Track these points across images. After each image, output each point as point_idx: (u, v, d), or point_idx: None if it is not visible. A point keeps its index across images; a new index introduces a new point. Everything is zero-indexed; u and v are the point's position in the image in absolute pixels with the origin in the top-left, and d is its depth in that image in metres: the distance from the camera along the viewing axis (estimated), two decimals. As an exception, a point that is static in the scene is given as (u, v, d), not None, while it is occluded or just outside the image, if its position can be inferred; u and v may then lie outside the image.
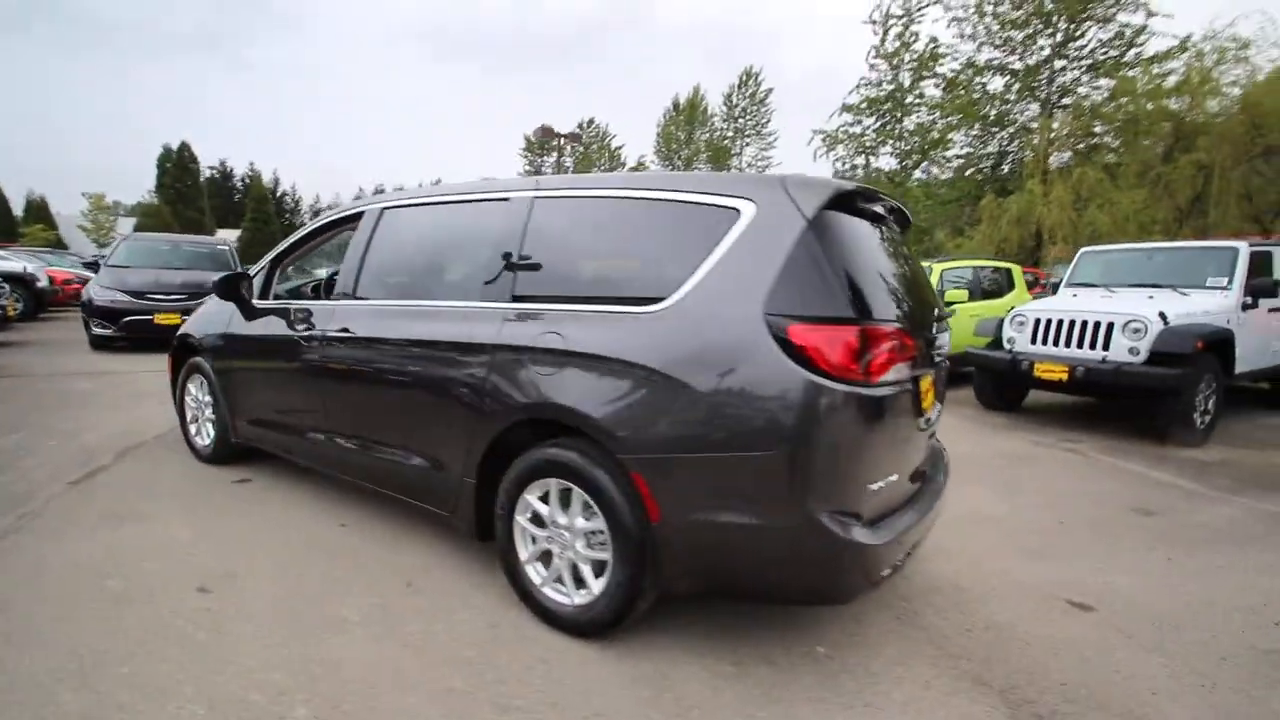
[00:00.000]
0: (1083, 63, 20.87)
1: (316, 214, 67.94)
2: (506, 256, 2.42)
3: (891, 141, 25.51)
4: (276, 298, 3.59)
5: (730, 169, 36.95)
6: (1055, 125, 20.13)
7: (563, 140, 24.10)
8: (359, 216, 3.16)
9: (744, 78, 35.52)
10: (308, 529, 3.06)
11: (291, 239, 3.55)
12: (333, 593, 2.49)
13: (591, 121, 45.23)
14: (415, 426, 2.62)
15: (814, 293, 1.85)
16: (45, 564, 2.61)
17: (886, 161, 25.81)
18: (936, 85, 23.58)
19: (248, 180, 51.25)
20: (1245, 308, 5.46)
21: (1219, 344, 5.13)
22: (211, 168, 49.21)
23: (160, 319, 7.89)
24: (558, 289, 2.31)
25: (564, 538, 2.23)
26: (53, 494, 3.38)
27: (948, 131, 23.38)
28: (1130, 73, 18.58)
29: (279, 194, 51.08)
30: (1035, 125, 20.78)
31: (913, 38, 23.88)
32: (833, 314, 1.83)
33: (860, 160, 26.30)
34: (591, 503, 2.12)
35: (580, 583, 2.22)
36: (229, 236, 16.93)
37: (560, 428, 2.22)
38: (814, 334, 1.79)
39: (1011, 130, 22.12)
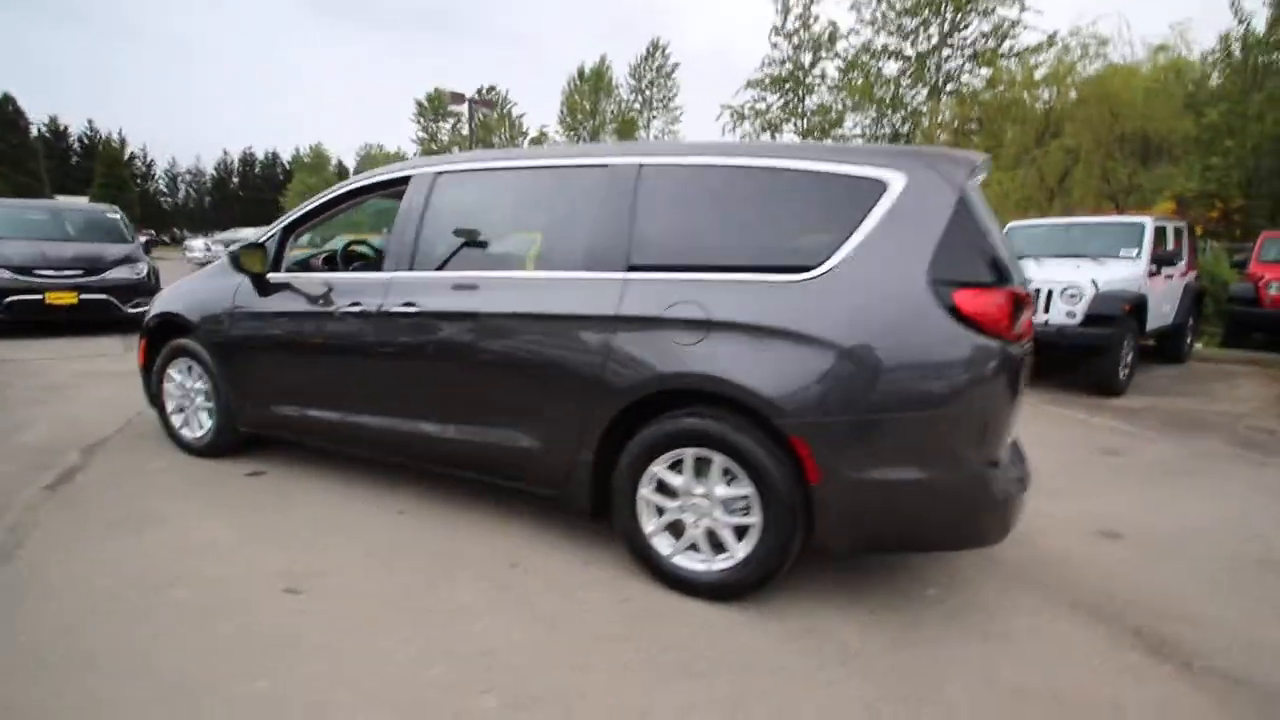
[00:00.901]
0: (965, 51, 22.64)
1: (174, 179, 60.56)
2: (619, 225, 2.35)
3: (794, 119, 26.50)
4: (288, 270, 3.24)
5: (635, 140, 36.76)
6: (942, 109, 21.81)
7: (474, 105, 22.86)
8: (403, 181, 2.91)
9: (651, 49, 35.39)
10: (364, 519, 2.85)
11: (309, 204, 3.20)
12: (437, 581, 2.36)
13: (492, 88, 43.31)
14: (512, 405, 2.50)
15: (971, 260, 1.97)
16: (83, 580, 2.27)
17: (790, 138, 26.83)
18: (837, 68, 24.67)
19: (86, 140, 44.60)
20: (1150, 275, 6.31)
21: (1138, 306, 5.91)
22: (43, 125, 42.27)
23: (53, 298, 6.81)
24: (682, 258, 2.27)
25: (701, 506, 2.24)
26: (32, 501, 2.90)
27: (845, 112, 24.64)
28: (1006, 63, 20.42)
29: (128, 157, 44.94)
30: (925, 109, 22.39)
31: (813, 19, 24.79)
32: (989, 279, 1.97)
33: (766, 136, 27.12)
34: (737, 469, 2.15)
35: (717, 549, 2.26)
36: (78, 203, 14.75)
37: (694, 396, 2.21)
38: (978, 299, 1.92)
39: (904, 114, 23.66)
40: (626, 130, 37.31)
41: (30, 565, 2.36)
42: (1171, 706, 1.86)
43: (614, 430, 2.33)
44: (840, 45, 24.06)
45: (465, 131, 43.35)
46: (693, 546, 2.29)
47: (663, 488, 2.31)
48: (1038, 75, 19.16)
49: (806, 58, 25.16)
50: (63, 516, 2.76)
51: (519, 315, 2.45)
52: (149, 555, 2.46)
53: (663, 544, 2.33)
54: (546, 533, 2.76)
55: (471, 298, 2.57)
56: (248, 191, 54.75)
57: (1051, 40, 19.74)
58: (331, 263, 3.52)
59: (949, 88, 22.79)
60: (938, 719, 1.76)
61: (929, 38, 22.24)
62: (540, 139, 42.40)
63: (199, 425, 3.50)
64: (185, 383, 3.50)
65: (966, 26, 22.17)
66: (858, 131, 24.34)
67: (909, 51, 22.76)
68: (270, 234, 3.22)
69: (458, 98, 21.65)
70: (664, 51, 35.71)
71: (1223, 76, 14.58)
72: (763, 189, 2.22)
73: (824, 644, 2.07)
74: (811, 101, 25.73)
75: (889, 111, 23.29)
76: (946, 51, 22.59)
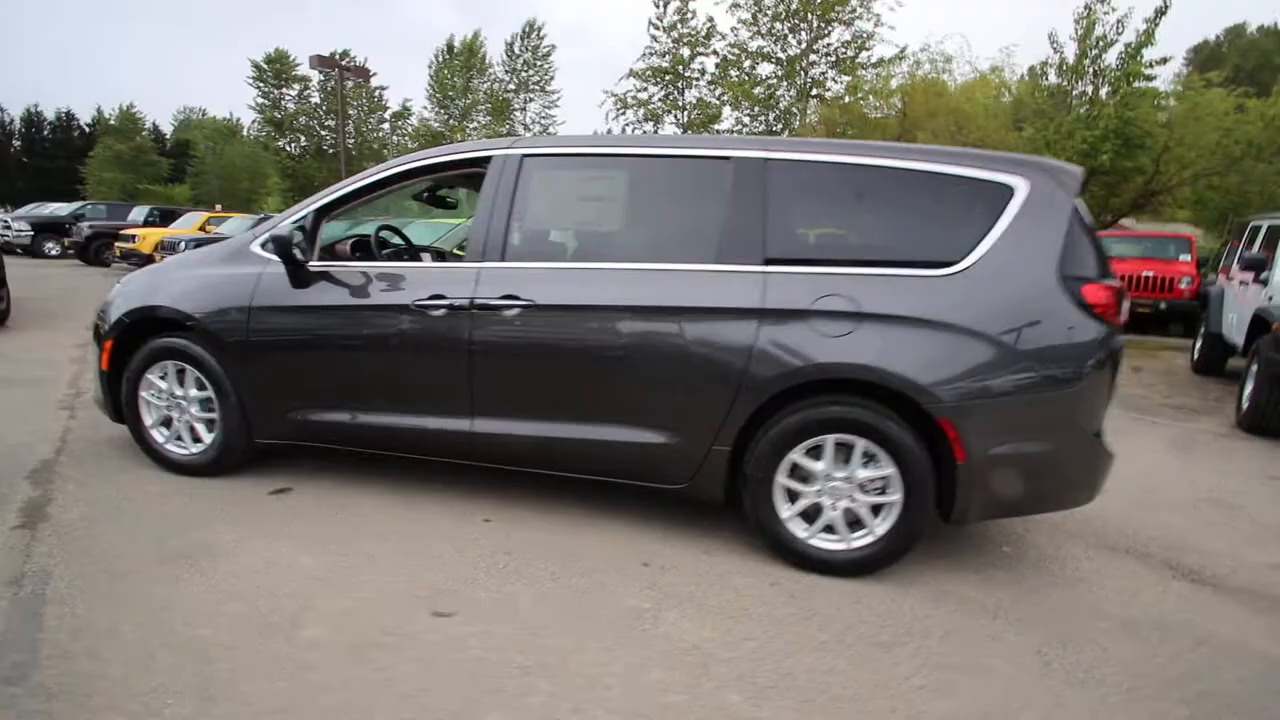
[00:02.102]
0: (829, 59, 24.57)
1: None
2: (750, 219, 2.38)
3: (675, 111, 27.19)
4: (320, 257, 2.86)
5: (512, 124, 35.92)
6: (810, 112, 23.56)
7: (343, 72, 20.70)
8: (478, 163, 2.69)
9: (527, 29, 34.33)
10: (453, 530, 2.63)
11: (351, 184, 2.82)
12: (586, 586, 2.27)
13: (345, 53, 39.70)
14: (642, 400, 2.45)
15: (1087, 258, 2.27)
16: (173, 632, 1.89)
17: (671, 130, 27.49)
18: (715, 64, 25.64)
19: None
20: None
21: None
22: None
23: None
24: (821, 253, 2.37)
25: (839, 489, 2.36)
26: (13, 545, 2.33)
27: (722, 107, 25.75)
28: (864, 73, 22.52)
29: None
30: (796, 110, 24.04)
31: (690, 14, 25.51)
32: (1102, 275, 2.27)
33: (649, 126, 27.55)
34: (879, 452, 2.30)
35: (853, 528, 2.39)
36: None
37: (834, 385, 2.32)
38: (1100, 292, 2.22)
39: (776, 113, 25.20)
40: (501, 111, 36.04)
41: (82, 623, 1.92)
42: (1229, 618, 2.31)
43: (752, 421, 2.38)
44: (719, 44, 25.01)
45: (315, 100, 39.36)
46: (827, 528, 2.41)
47: (798, 474, 2.40)
48: (892, 85, 21.39)
49: (686, 52, 25.86)
50: (75, 560, 2.26)
51: (650, 309, 2.39)
52: (235, 594, 2.10)
53: (798, 529, 2.42)
54: (649, 527, 2.73)
55: (589, 290, 2.46)
56: (35, 159, 45.18)
57: (902, 54, 22.10)
58: (362, 249, 3.14)
59: (815, 92, 24.64)
60: (1096, 656, 2.04)
61: (799, 42, 23.83)
62: (404, 115, 39.67)
63: (193, 439, 2.98)
64: (174, 390, 2.96)
65: (829, 35, 24.04)
66: (737, 128, 25.56)
67: (780, 55, 24.25)
68: (299, 216, 2.81)
69: (325, 61, 19.54)
70: (539, 32, 34.86)
71: (1039, 99, 17.19)
72: (897, 188, 2.36)
73: (966, 604, 2.29)
74: (691, 95, 26.53)
75: (765, 111, 24.70)
76: (813, 57, 24.37)
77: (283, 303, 2.75)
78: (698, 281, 2.39)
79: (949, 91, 19.39)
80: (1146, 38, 15.35)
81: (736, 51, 24.44)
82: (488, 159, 2.67)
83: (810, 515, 2.42)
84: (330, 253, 2.98)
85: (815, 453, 2.37)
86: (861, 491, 2.35)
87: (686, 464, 2.46)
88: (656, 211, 2.63)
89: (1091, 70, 16.16)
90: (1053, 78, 16.49)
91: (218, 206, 28.09)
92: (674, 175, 2.57)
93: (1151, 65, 15.43)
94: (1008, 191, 2.29)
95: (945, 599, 2.32)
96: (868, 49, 23.60)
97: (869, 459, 2.33)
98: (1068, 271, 2.22)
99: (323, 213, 2.83)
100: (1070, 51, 16.24)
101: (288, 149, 37.56)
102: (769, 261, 2.36)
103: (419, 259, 3.40)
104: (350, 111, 39.52)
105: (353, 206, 2.90)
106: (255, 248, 2.86)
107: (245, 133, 40.33)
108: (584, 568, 2.39)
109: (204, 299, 2.85)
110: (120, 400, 3.02)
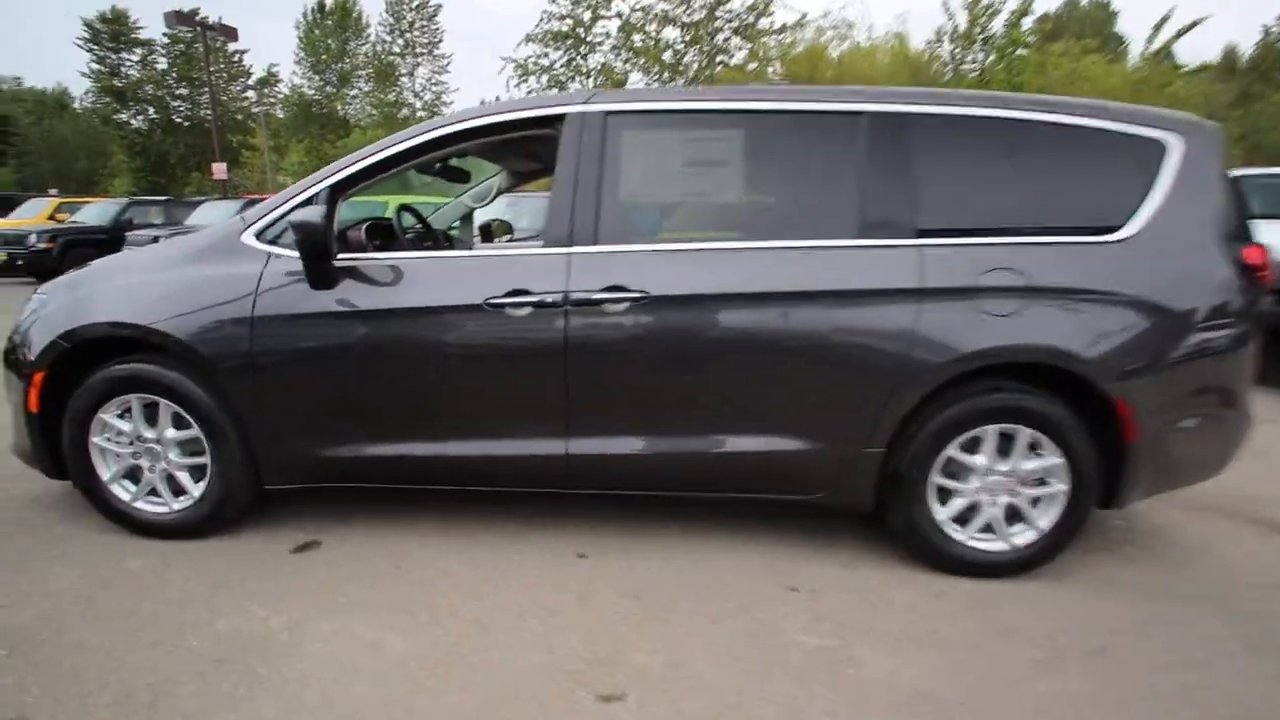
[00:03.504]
0: (731, 25, 24.47)
1: None
2: (898, 185, 2.06)
3: (579, 77, 26.21)
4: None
5: (400, 90, 33.51)
6: (716, 78, 23.45)
7: (207, 32, 17.86)
8: (545, 123, 2.18)
9: (409, -14, 31.70)
10: (556, 576, 2.17)
11: (376, 153, 2.20)
12: (754, 630, 1.93)
13: (196, 12, 35.19)
14: (779, 402, 2.09)
15: (1237, 220, 2.14)
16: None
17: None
18: (619, 28, 24.84)
19: None
20: None
21: None
22: None
23: None
24: (975, 222, 2.09)
25: (999, 484, 2.15)
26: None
27: (628, 73, 25.10)
28: (767, 40, 22.68)
29: None
30: (704, 77, 23.86)
31: (589, -27, 24.41)
32: (1252, 237, 2.16)
33: (554, 92, 26.38)
34: (1044, 441, 2.10)
35: (1012, 522, 2.19)
36: None
37: (993, 370, 2.09)
38: (1256, 254, 2.11)
39: (686, 80, 24.90)
40: (385, 76, 33.39)
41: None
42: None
43: (908, 416, 2.10)
44: (620, 5, 24.16)
45: (162, 65, 34.75)
46: (985, 529, 2.19)
47: (951, 471, 2.16)
48: (795, 52, 21.69)
49: (586, 15, 24.83)
50: (62, 690, 1.61)
51: (791, 294, 2.03)
52: (329, 705, 1.57)
53: (953, 531, 2.19)
54: (767, 544, 2.39)
55: (716, 276, 2.05)
56: None
57: (802, 21, 22.39)
58: (380, 234, 2.50)
59: (720, 59, 24.49)
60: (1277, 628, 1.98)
61: (703, 7, 23.49)
62: (269, 81, 35.89)
63: (173, 493, 2.30)
64: (141, 432, 2.25)
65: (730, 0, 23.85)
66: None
67: (685, 19, 23.82)
68: (309, 196, 2.17)
69: (184, 19, 16.91)
70: (421, -12, 32.35)
71: (935, 67, 18.03)
72: (1046, 145, 2.12)
73: (1128, 590, 2.17)
74: (595, 60, 25.61)
75: (674, 78, 24.28)
76: (717, 23, 24.14)
77: (301, 309, 2.12)
78: (843, 260, 2.05)
79: (851, 57, 19.92)
80: (1025, 6, 16.50)
81: (640, 14, 23.76)
82: (559, 118, 2.16)
83: (963, 515, 2.20)
84: (342, 242, 2.35)
85: (970, 445, 2.14)
86: (1022, 484, 2.15)
87: (829, 470, 2.15)
88: (781, 178, 2.23)
89: (981, 38, 17.16)
90: (947, 45, 17.33)
91: (52, 191, 24.15)
92: (798, 134, 2.18)
93: (1031, 34, 16.52)
94: (1160, 149, 2.11)
95: (1105, 587, 2.19)
96: (768, 15, 23.73)
97: (1031, 448, 2.13)
98: (1225, 234, 2.09)
99: (339, 190, 2.20)
100: (962, 20, 17.13)
101: (133, 122, 32.86)
102: (920, 233, 2.06)
103: (440, 246, 2.81)
104: (202, 73, 35.15)
105: (376, 181, 2.29)
106: (249, 239, 2.20)
107: (77, 105, 34.95)
108: (734, 605, 2.04)
109: (179, 310, 2.16)
110: (61, 450, 2.27)
